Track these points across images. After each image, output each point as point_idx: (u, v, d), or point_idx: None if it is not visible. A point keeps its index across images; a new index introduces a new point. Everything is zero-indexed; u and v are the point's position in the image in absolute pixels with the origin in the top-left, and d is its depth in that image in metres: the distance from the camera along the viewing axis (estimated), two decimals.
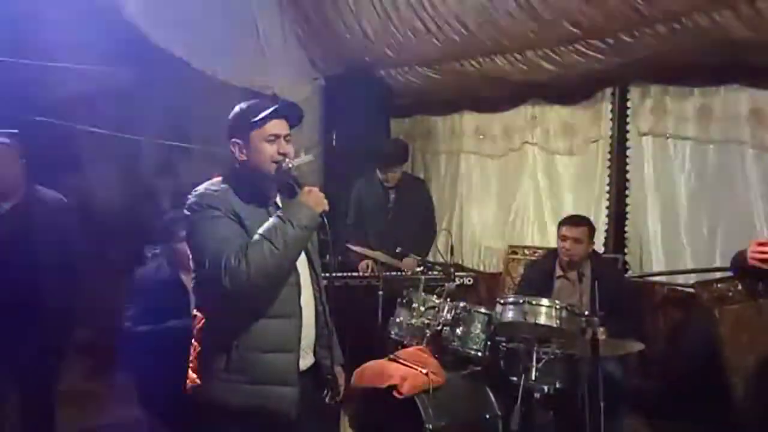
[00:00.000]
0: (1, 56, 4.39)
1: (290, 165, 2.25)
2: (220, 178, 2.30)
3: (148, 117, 6.20)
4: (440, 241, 5.37)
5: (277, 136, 2.25)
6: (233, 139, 2.28)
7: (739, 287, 3.49)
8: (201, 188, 2.26)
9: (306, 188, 2.25)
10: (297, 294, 2.28)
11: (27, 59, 4.58)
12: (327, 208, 2.24)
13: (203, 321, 2.28)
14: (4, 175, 3.20)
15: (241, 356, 2.18)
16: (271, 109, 2.24)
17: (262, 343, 2.20)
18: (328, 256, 2.45)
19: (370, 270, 4.43)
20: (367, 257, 4.43)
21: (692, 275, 4.06)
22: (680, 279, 4.20)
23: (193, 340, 2.31)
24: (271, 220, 2.18)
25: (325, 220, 2.25)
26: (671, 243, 4.30)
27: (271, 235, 2.12)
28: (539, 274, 3.92)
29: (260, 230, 2.15)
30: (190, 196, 2.24)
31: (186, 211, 2.22)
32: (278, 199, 2.35)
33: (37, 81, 4.69)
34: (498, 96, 5.21)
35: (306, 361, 2.32)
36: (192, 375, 2.28)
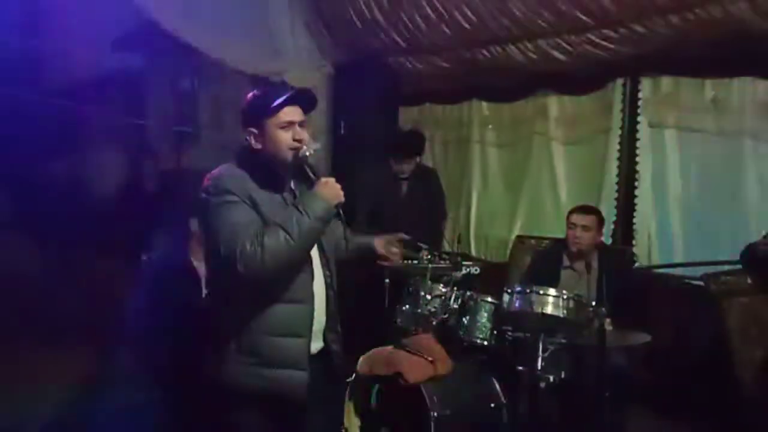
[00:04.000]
0: (16, 38, 4.41)
1: (307, 153, 2.26)
2: (233, 164, 2.30)
3: (156, 102, 6.21)
4: (447, 231, 5.37)
5: (292, 123, 2.25)
6: (248, 128, 2.27)
7: (749, 280, 3.47)
8: (217, 172, 2.27)
9: (323, 180, 2.26)
10: (310, 279, 2.30)
11: (41, 42, 4.59)
12: (342, 199, 2.26)
13: (216, 303, 2.29)
14: None
15: (254, 339, 2.21)
16: (285, 96, 2.24)
17: (274, 327, 2.22)
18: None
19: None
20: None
21: (701, 267, 4.04)
22: (689, 271, 4.18)
23: (207, 322, 2.34)
24: (288, 210, 2.20)
25: (341, 211, 2.27)
26: (680, 235, 4.28)
27: (287, 224, 2.14)
28: (546, 264, 3.91)
29: (276, 219, 2.17)
30: (206, 180, 2.24)
31: (202, 194, 2.23)
32: (293, 185, 2.35)
33: (50, 63, 4.70)
34: (508, 85, 5.17)
35: (316, 345, 2.34)
36: (207, 356, 2.30)
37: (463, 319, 3.53)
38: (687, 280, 4.14)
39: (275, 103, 2.22)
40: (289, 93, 2.26)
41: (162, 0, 4.55)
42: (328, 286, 2.39)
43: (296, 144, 2.24)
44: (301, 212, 2.16)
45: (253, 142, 2.27)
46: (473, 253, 5.39)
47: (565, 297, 3.23)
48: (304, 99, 2.31)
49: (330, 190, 2.24)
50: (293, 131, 2.25)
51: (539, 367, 3.19)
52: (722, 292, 3.54)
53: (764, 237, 3.01)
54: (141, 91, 6.16)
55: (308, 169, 2.28)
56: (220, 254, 2.13)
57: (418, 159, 4.72)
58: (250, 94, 2.32)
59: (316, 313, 2.31)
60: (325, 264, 2.39)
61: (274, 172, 2.28)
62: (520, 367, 3.31)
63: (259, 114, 2.25)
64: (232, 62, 5.06)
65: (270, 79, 5.03)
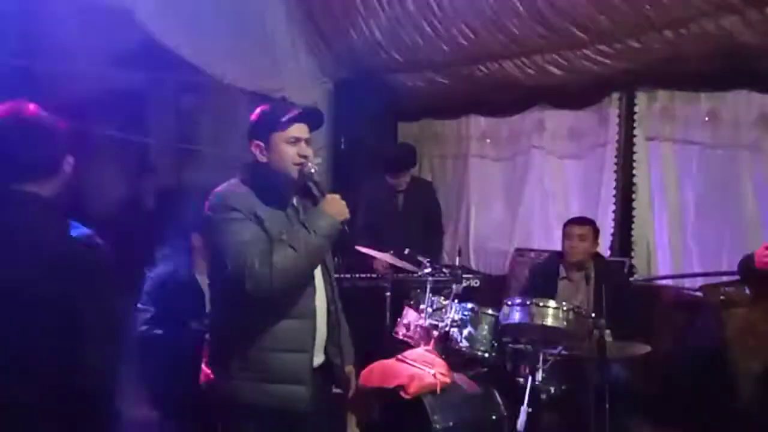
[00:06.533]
0: (13, 57, 4.44)
1: (312, 170, 2.29)
2: (238, 180, 2.33)
3: (158, 119, 6.26)
4: (447, 244, 5.40)
5: (299, 139, 2.29)
6: (255, 141, 2.30)
7: (746, 291, 3.50)
8: (222, 189, 2.29)
9: (329, 196, 2.30)
10: (312, 294, 2.32)
11: (39, 60, 4.63)
12: (348, 216, 2.30)
13: (219, 319, 2.31)
14: None
15: (257, 355, 2.22)
16: (295, 113, 2.27)
17: (277, 343, 2.24)
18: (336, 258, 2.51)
19: (386, 269, 4.44)
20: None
21: (699, 279, 4.07)
22: (687, 282, 4.21)
23: (207, 336, 2.35)
24: (294, 227, 2.23)
25: (346, 228, 2.30)
26: (678, 247, 4.31)
27: (295, 242, 2.17)
28: (543, 275, 3.94)
29: (284, 236, 2.20)
30: (210, 197, 2.27)
31: (207, 212, 2.25)
32: (295, 201, 2.37)
33: (49, 82, 4.73)
34: (506, 100, 5.23)
35: (318, 359, 2.36)
36: (207, 371, 2.32)
37: (464, 331, 3.55)
38: (686, 292, 4.17)
39: (286, 118, 2.26)
40: (300, 110, 2.30)
41: (163, 18, 4.60)
42: (330, 300, 2.41)
43: (301, 160, 2.28)
44: (308, 230, 2.20)
45: (258, 154, 2.30)
46: (473, 265, 5.42)
47: (564, 309, 3.26)
48: (312, 117, 2.36)
49: (336, 206, 2.27)
50: (299, 147, 2.29)
51: (540, 379, 3.21)
52: (720, 303, 3.57)
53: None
54: (142, 108, 6.20)
55: (314, 186, 2.32)
56: (228, 273, 2.14)
57: (411, 172, 4.78)
58: (259, 109, 2.36)
59: (317, 328, 2.33)
60: (327, 278, 2.41)
61: (277, 187, 2.31)
62: (521, 379, 3.34)
63: (267, 128, 2.28)
64: (233, 79, 5.11)
65: (270, 96, 5.08)
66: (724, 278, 3.73)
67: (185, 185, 5.80)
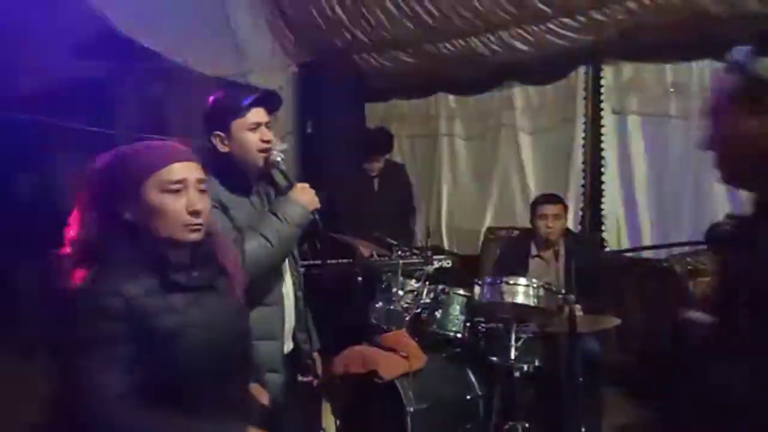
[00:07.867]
0: None
1: (279, 158, 2.25)
2: None
3: (120, 110, 6.11)
4: (418, 225, 5.38)
5: (259, 124, 2.22)
6: (214, 131, 2.22)
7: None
8: None
9: (299, 186, 2.27)
10: (280, 282, 2.30)
11: None
12: (318, 205, 2.27)
13: None
14: None
15: None
16: (252, 99, 2.21)
17: None
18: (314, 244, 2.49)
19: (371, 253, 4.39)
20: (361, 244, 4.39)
21: (669, 250, 4.09)
22: (656, 254, 4.23)
23: None
24: (266, 216, 2.19)
25: (317, 217, 2.27)
26: (648, 219, 4.33)
27: (266, 231, 2.14)
28: (514, 254, 3.94)
29: (253, 225, 2.16)
30: None
31: None
32: (259, 188, 2.32)
33: (8, 73, 4.60)
34: (473, 77, 5.19)
35: (287, 346, 2.34)
36: None
37: (436, 313, 3.53)
38: (654, 263, 4.20)
39: (244, 104, 2.19)
40: (256, 94, 2.23)
41: (121, 5, 4.48)
42: (297, 286, 2.38)
43: (264, 145, 2.22)
44: (279, 219, 2.16)
45: (219, 144, 2.23)
46: (445, 246, 5.40)
47: (534, 286, 3.25)
48: (269, 100, 2.29)
49: (306, 196, 2.25)
50: (261, 132, 2.23)
51: (513, 357, 3.21)
52: (687, 272, 3.60)
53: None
54: (106, 99, 6.06)
55: (282, 175, 2.28)
56: None
57: (386, 156, 4.75)
58: (212, 96, 2.28)
59: (286, 315, 2.31)
60: (293, 266, 2.38)
61: (242, 176, 2.25)
62: (494, 358, 3.34)
63: (225, 115, 2.21)
64: (195, 64, 5.00)
65: (235, 81, 4.98)
66: (694, 248, 3.74)
67: None
